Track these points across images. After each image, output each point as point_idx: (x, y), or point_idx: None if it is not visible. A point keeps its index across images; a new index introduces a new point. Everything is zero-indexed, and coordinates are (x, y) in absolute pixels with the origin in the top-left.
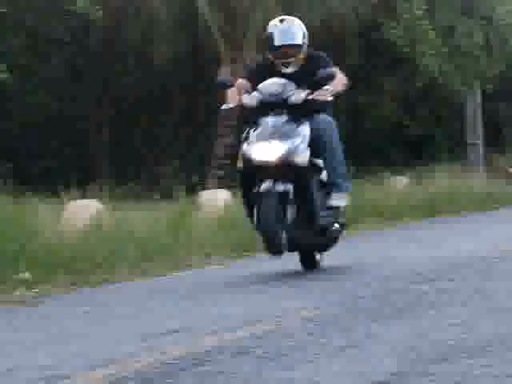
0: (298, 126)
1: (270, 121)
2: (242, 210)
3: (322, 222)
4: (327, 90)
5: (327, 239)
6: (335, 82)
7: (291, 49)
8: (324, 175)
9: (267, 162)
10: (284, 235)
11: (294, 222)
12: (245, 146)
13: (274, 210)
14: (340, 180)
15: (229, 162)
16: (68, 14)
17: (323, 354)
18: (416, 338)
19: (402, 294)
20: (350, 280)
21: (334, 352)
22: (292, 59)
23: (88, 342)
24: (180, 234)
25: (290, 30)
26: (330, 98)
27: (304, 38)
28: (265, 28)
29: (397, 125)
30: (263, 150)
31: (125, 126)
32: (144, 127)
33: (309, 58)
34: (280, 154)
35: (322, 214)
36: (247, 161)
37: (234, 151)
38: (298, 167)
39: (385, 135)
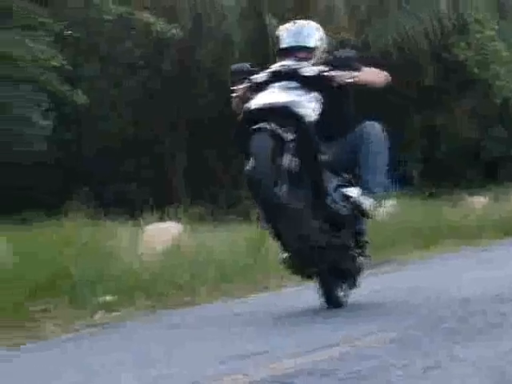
0: (308, 92)
1: (276, 84)
2: None
3: (333, 206)
4: (351, 74)
5: (348, 260)
6: (366, 70)
7: (302, 52)
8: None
9: (266, 104)
10: (283, 188)
11: (296, 195)
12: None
13: (268, 143)
14: (373, 178)
15: None
16: (141, 38)
17: (406, 376)
18: (499, 359)
19: (481, 316)
20: (428, 302)
21: (417, 373)
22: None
23: (170, 365)
24: (258, 255)
25: (301, 31)
26: (351, 80)
27: (320, 41)
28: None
29: (473, 145)
30: (264, 97)
31: (199, 148)
32: (219, 149)
33: (326, 63)
34: (282, 100)
35: (336, 199)
36: (246, 112)
37: None
38: (302, 121)
39: (461, 155)
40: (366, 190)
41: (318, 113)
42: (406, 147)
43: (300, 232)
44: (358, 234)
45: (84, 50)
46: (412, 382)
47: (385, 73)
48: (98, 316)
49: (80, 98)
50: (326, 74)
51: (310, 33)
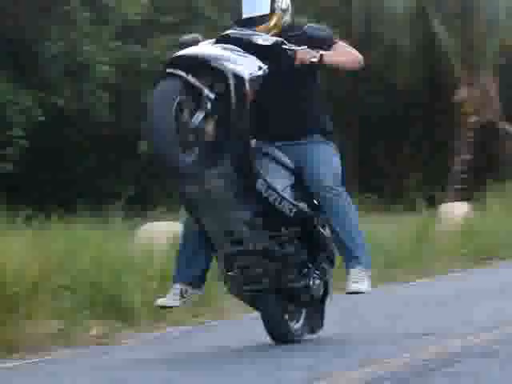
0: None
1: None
2: (481, 222)
3: (267, 195)
4: (317, 52)
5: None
6: (337, 49)
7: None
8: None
9: (190, 53)
10: (191, 154)
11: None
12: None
13: (174, 92)
14: (356, 247)
15: (466, 176)
16: None
17: None
18: None
19: None
20: None
21: None
22: (257, 28)
23: (344, 344)
24: (423, 244)
25: None
26: (314, 60)
27: (278, 2)
28: (499, 54)
29: None
30: (192, 48)
31: (368, 143)
32: (386, 144)
33: (290, 28)
34: (210, 52)
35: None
36: (167, 62)
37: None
38: (232, 77)
39: None
40: (359, 265)
41: (255, 76)
42: None
43: (224, 227)
44: (319, 247)
45: None
46: None
47: (357, 54)
48: None
49: None
50: (285, 46)
51: None
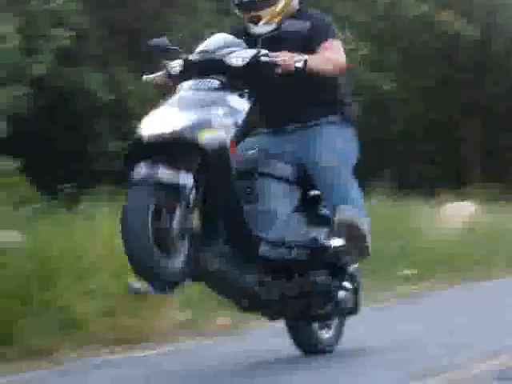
0: (228, 94)
1: (187, 84)
2: None
3: (271, 255)
4: (299, 56)
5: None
6: (326, 54)
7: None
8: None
9: (155, 135)
10: (179, 258)
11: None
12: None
13: (146, 210)
14: (347, 195)
15: None
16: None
17: None
18: None
19: None
20: None
21: None
22: (260, 12)
23: (472, 333)
24: None
25: None
26: (299, 65)
27: None
28: None
29: None
30: (158, 121)
31: (494, 133)
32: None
33: (298, 14)
34: (179, 126)
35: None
36: (135, 141)
37: None
38: (209, 150)
39: None
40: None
41: (235, 130)
42: None
43: (236, 295)
44: (332, 262)
45: (387, 41)
46: None
47: (342, 59)
48: (400, 288)
49: (386, 84)
50: (264, 58)
51: None
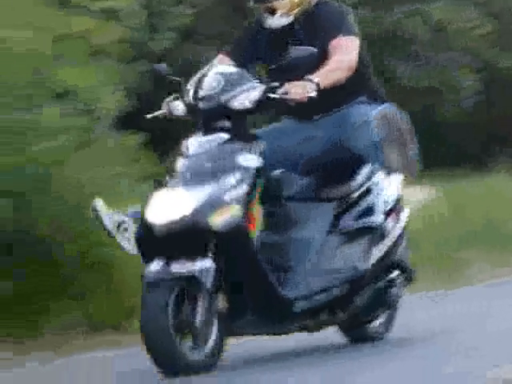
0: (237, 153)
1: (193, 145)
2: None
3: (309, 307)
4: (309, 82)
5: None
6: (333, 63)
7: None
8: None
9: (165, 225)
10: (209, 344)
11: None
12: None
13: (164, 312)
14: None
15: None
16: None
17: None
18: None
19: None
20: None
21: None
22: (276, 3)
23: None
24: None
25: None
26: (312, 94)
27: None
28: None
29: None
30: (164, 205)
31: None
32: None
33: (315, 6)
34: (188, 210)
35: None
36: (144, 226)
37: None
38: (225, 234)
39: None
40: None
41: (250, 190)
42: None
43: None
44: (381, 265)
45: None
46: None
47: (352, 58)
48: None
49: (506, 61)
50: (272, 95)
51: None
